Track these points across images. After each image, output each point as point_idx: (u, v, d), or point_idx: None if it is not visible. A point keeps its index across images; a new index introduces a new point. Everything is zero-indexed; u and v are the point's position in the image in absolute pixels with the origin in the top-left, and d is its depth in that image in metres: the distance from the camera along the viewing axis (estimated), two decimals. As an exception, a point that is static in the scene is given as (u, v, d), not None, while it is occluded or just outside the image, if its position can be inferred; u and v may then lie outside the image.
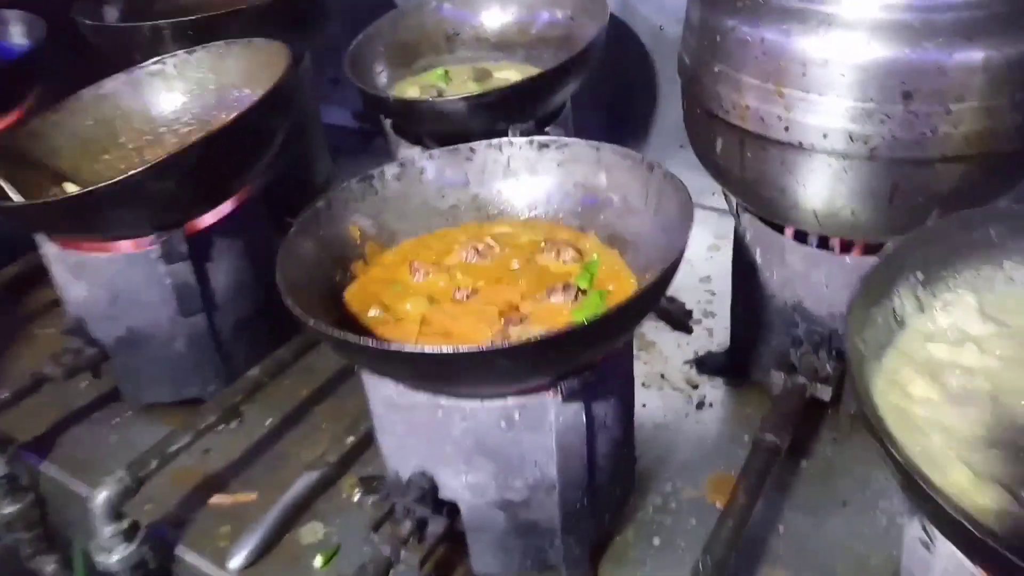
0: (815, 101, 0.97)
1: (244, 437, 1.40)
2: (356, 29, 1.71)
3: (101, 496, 1.13)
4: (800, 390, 1.19)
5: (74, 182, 1.41)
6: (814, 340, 1.21)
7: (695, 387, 1.39)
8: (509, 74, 1.63)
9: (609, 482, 1.09)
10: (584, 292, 1.04)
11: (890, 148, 0.96)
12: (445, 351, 0.81)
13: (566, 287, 1.03)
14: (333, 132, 2.13)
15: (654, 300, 0.93)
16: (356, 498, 1.26)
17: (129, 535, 1.15)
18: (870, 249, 1.14)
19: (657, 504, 1.21)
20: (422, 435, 1.01)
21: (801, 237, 1.19)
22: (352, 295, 1.09)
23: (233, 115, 1.23)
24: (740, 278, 1.30)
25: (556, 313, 1.02)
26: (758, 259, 1.24)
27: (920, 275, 0.91)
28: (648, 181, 1.08)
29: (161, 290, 1.32)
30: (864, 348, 0.82)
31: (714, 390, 1.39)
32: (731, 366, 1.40)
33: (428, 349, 0.83)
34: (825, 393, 1.19)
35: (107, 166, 1.47)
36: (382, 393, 1.01)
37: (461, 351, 0.81)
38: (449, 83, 1.63)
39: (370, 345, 0.83)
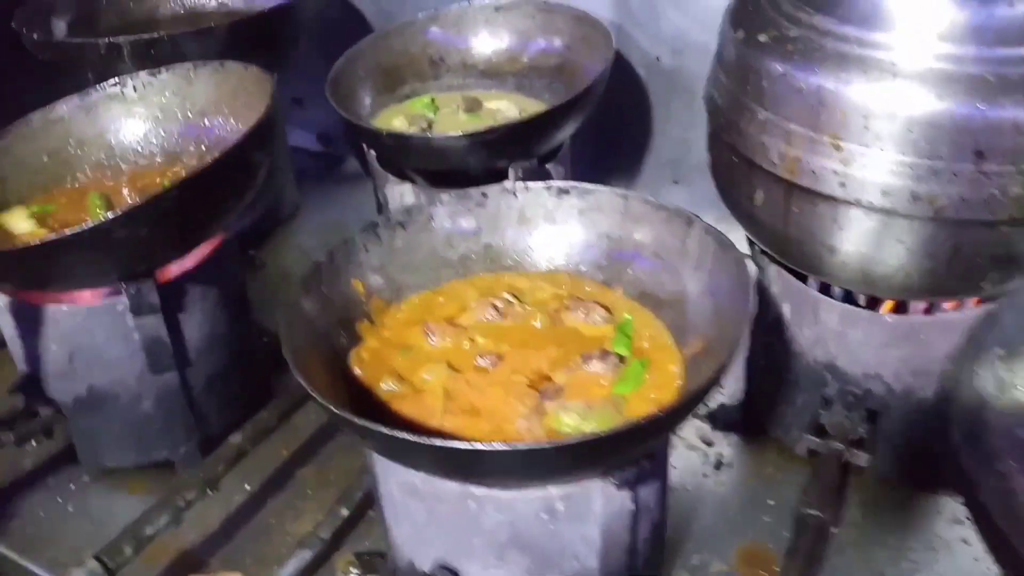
0: (876, 157, 0.89)
1: (220, 505, 1.26)
2: (321, 46, 1.59)
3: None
4: (837, 456, 1.11)
5: (20, 222, 1.26)
6: (847, 401, 1.14)
7: (710, 444, 1.31)
8: (501, 104, 1.53)
9: (645, 567, 1.00)
10: (622, 359, 0.94)
11: (956, 209, 0.89)
12: (502, 448, 0.71)
13: (604, 355, 0.94)
14: (296, 155, 2.00)
15: (720, 379, 0.84)
16: (352, 578, 1.14)
17: (98, 635, 1.01)
18: (911, 309, 1.07)
19: (685, 580, 1.13)
20: (447, 526, 0.90)
21: (837, 294, 1.12)
22: (360, 361, 0.97)
23: (216, 153, 1.10)
24: (762, 332, 1.23)
25: (594, 384, 0.92)
26: (786, 314, 1.16)
27: (1000, 351, 0.84)
28: (686, 235, 0.99)
29: (128, 345, 1.18)
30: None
31: (729, 448, 1.31)
32: (746, 421, 1.32)
33: (483, 446, 0.72)
34: (861, 459, 1.12)
35: (63, 203, 1.31)
36: (401, 478, 0.90)
37: (521, 448, 0.71)
38: (437, 112, 1.52)
39: (421, 442, 0.72)
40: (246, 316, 1.35)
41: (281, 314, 0.89)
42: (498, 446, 0.71)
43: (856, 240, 0.96)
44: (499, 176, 1.37)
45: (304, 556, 1.13)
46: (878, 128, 0.88)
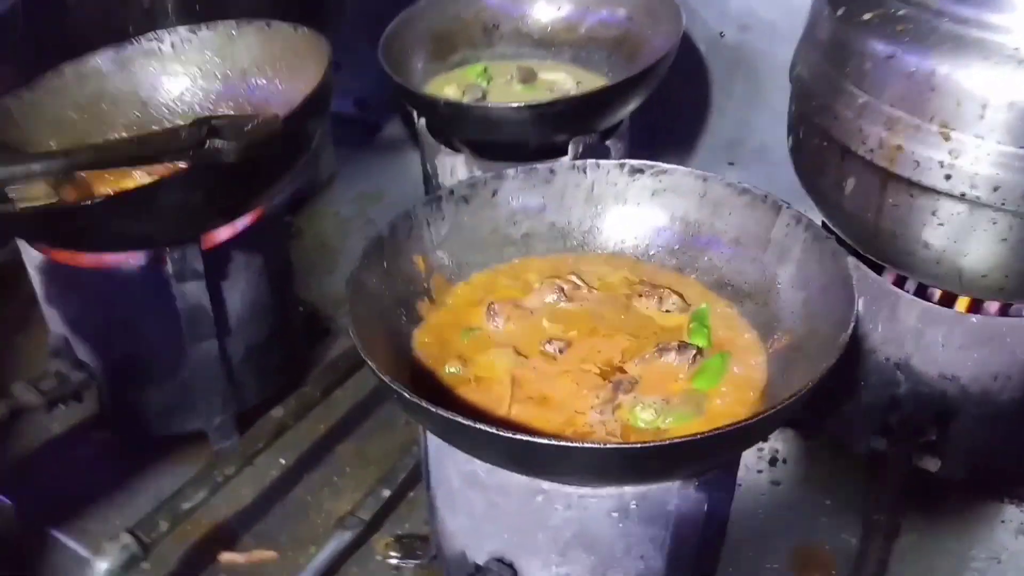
0: (990, 149, 0.83)
1: (254, 480, 1.21)
2: (360, 9, 1.53)
3: (102, 568, 0.94)
4: (907, 460, 1.06)
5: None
6: (918, 402, 1.09)
7: (765, 439, 1.26)
8: (557, 76, 1.46)
9: (705, 566, 0.95)
10: (699, 352, 0.89)
11: (1072, 208, 0.83)
12: (593, 447, 0.66)
13: (682, 346, 0.88)
14: (332, 121, 1.94)
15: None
16: (393, 562, 1.09)
17: (132, 612, 0.97)
18: (1002, 310, 1.01)
19: (740, 581, 1.08)
20: (509, 519, 0.85)
21: (910, 288, 1.06)
22: (422, 343, 0.92)
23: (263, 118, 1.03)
24: (830, 325, 1.17)
25: (670, 377, 0.87)
26: (859, 308, 1.10)
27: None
28: (772, 223, 0.93)
29: (167, 312, 1.13)
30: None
31: (784, 443, 1.26)
32: (803, 417, 1.27)
33: (575, 444, 0.67)
34: (931, 464, 1.07)
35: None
36: (462, 467, 0.85)
37: (612, 448, 0.66)
38: (490, 82, 1.46)
39: (510, 436, 0.67)
40: (288, 286, 1.30)
41: (347, 291, 0.84)
42: (595, 445, 0.67)
43: (955, 236, 0.90)
44: (555, 151, 1.31)
45: (343, 537, 1.09)
46: (995, 118, 0.82)
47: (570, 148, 1.27)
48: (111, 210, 0.96)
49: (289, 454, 1.25)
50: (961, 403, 1.08)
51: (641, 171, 1.02)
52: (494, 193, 1.03)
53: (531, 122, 1.22)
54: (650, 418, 0.82)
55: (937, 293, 1.06)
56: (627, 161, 1.03)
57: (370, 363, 0.75)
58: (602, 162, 1.03)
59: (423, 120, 1.40)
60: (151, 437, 1.25)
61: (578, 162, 1.03)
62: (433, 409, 0.70)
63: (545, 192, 1.04)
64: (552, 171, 1.03)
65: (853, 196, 0.97)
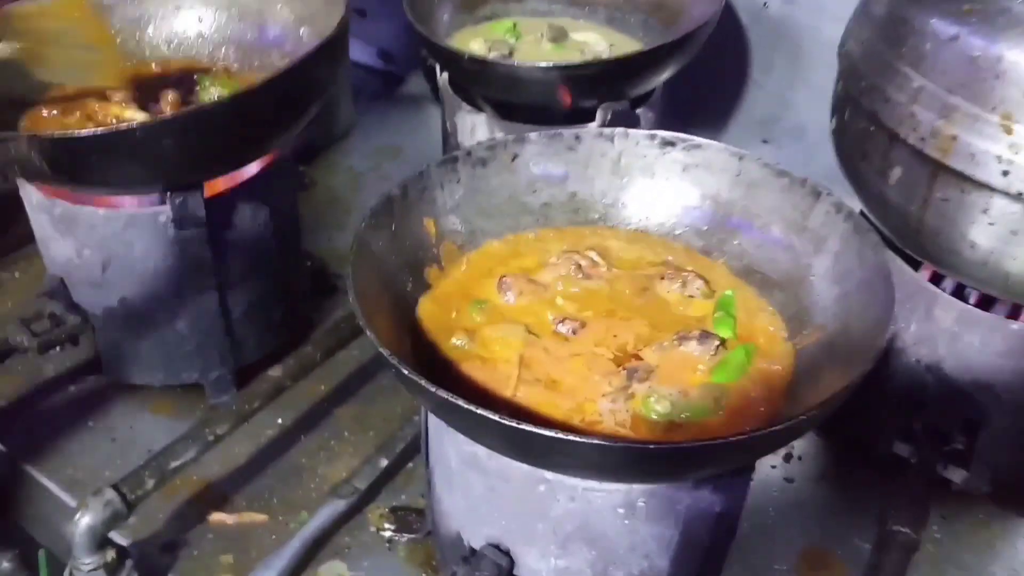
0: (1056, 146, 0.77)
1: (249, 439, 1.17)
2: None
3: (84, 522, 0.91)
4: (929, 468, 1.01)
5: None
6: (949, 409, 1.03)
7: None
8: (589, 37, 1.39)
9: (716, 567, 0.90)
10: (723, 343, 0.83)
11: None
12: (604, 444, 0.61)
13: (704, 336, 0.83)
14: (354, 71, 1.87)
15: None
16: (387, 534, 1.06)
17: (113, 569, 0.94)
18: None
19: (743, 580, 1.03)
20: (508, 506, 0.80)
21: (948, 288, 1.00)
22: (427, 312, 0.87)
23: (284, 64, 0.98)
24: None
25: (689, 368, 0.82)
26: (893, 306, 1.05)
27: None
28: (810, 209, 0.87)
29: (167, 259, 1.09)
30: None
31: (801, 440, 1.20)
32: (822, 413, 1.21)
33: (581, 439, 0.62)
34: (958, 475, 1.01)
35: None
36: (462, 448, 0.80)
37: (625, 446, 0.61)
38: (519, 39, 1.39)
39: (514, 426, 0.62)
40: (295, 240, 1.25)
41: (351, 251, 0.79)
42: (606, 441, 0.62)
43: (1005, 237, 0.84)
44: (582, 116, 1.24)
45: (337, 505, 1.05)
46: (1066, 113, 0.75)
47: (598, 114, 1.21)
48: (109, 144, 0.91)
49: (286, 414, 1.21)
50: (993, 413, 1.02)
51: (673, 144, 0.96)
52: (514, 157, 0.97)
53: (559, 84, 1.16)
54: (665, 411, 0.77)
55: (975, 295, 1.00)
56: (658, 132, 0.96)
57: (369, 332, 0.70)
58: (631, 131, 0.97)
59: (446, 75, 1.33)
60: (146, 386, 1.21)
61: (606, 130, 0.97)
62: (433, 389, 0.65)
63: (568, 160, 0.98)
64: (578, 138, 0.97)
65: (898, 186, 0.90)
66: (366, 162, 1.70)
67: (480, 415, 0.64)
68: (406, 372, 0.67)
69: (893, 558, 0.91)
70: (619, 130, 0.97)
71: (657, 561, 0.81)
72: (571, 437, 0.61)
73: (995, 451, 1.05)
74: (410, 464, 1.14)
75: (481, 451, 0.78)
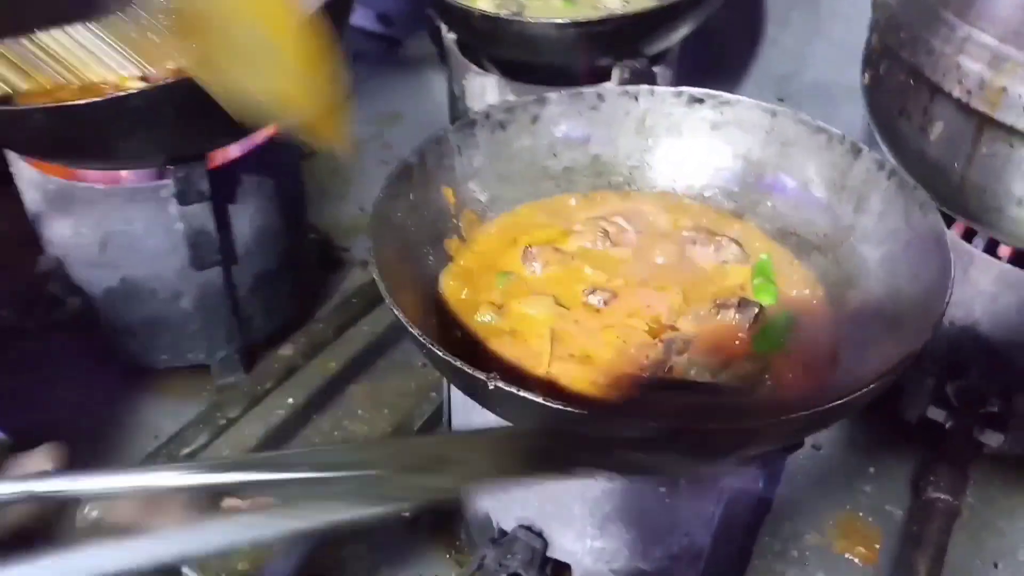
0: (1115, 96, 0.72)
1: (260, 419, 1.13)
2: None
3: (91, 516, 0.86)
4: (966, 432, 0.98)
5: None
6: (986, 372, 1.00)
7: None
8: (601, -7, 1.33)
9: (751, 540, 0.88)
10: (763, 311, 0.79)
11: None
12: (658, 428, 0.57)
13: (743, 303, 0.79)
14: (351, 35, 1.81)
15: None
16: (406, 514, 1.02)
17: (127, 559, 0.90)
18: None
19: (776, 550, 1.01)
20: (543, 487, 0.77)
21: (988, 247, 0.96)
22: (450, 287, 0.83)
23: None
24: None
25: (728, 338, 0.78)
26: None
27: None
28: (849, 167, 0.83)
29: (169, 235, 1.04)
30: None
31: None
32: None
33: (641, 423, 0.58)
34: (995, 439, 0.99)
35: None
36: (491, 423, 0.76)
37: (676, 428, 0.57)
38: (529, -4, 1.33)
39: (568, 410, 0.58)
40: (300, 212, 1.20)
41: (371, 225, 0.74)
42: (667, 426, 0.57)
43: (1056, 193, 0.80)
44: (597, 75, 1.19)
45: (355, 488, 1.01)
46: None
47: (614, 73, 1.15)
48: (107, 114, 0.86)
49: (298, 393, 1.17)
50: (1030, 374, 0.99)
51: (701, 101, 0.91)
52: (534, 119, 0.92)
53: (574, 41, 1.10)
54: (706, 384, 0.73)
55: (1007, 251, 0.96)
56: (685, 89, 0.92)
57: (397, 311, 0.66)
58: (657, 89, 0.92)
59: (452, 35, 1.28)
60: (150, 368, 1.17)
61: (630, 88, 0.93)
62: (481, 377, 0.61)
63: (591, 120, 0.93)
64: (600, 96, 0.92)
65: (939, 142, 0.86)
66: (366, 129, 1.64)
67: (529, 400, 0.60)
68: (443, 355, 0.62)
69: (934, 526, 0.89)
70: (644, 87, 0.92)
71: (698, 539, 0.77)
72: (632, 421, 0.57)
73: (1032, 414, 1.02)
74: (428, 442, 1.10)
75: (514, 430, 0.74)
